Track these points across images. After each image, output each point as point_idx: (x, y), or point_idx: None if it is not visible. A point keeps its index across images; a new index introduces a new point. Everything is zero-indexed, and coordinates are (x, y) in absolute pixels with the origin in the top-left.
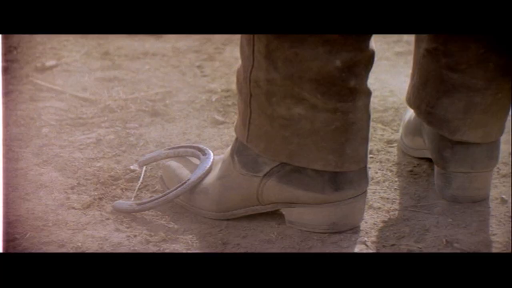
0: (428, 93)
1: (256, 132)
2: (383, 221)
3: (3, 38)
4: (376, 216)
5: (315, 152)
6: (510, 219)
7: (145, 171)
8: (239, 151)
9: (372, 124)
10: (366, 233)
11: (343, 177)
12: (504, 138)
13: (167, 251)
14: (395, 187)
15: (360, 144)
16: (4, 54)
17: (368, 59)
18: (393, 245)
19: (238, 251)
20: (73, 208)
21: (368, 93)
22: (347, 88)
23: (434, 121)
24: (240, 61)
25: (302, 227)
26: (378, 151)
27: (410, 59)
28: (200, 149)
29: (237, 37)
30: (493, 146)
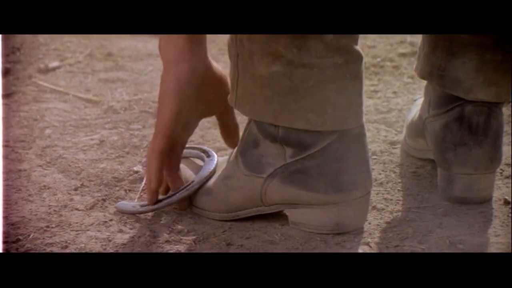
0: (438, 57)
1: (243, 94)
2: (387, 222)
3: (5, 39)
4: (380, 217)
5: (296, 110)
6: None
7: None
8: (243, 152)
9: (375, 125)
10: (370, 234)
11: (347, 178)
12: (506, 139)
13: (170, 252)
14: (399, 188)
15: (343, 104)
16: (7, 55)
17: None
18: (396, 246)
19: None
20: (77, 209)
21: (352, 53)
22: (323, 43)
23: (447, 84)
24: None
25: (306, 228)
26: (381, 152)
27: (414, 60)
28: (204, 151)
29: None
30: (495, 148)
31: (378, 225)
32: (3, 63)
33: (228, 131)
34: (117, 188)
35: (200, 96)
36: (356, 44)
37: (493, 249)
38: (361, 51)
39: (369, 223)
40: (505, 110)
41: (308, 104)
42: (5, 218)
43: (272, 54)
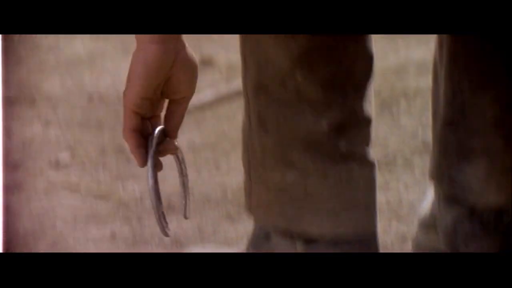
0: (448, 163)
1: (257, 201)
2: None
3: (14, 133)
4: None
5: (310, 216)
6: None
7: None
8: (254, 245)
9: (386, 218)
10: None
11: None
12: None
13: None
14: None
15: (358, 210)
16: (17, 149)
17: (362, 123)
18: None
19: None
20: None
21: (365, 161)
22: (338, 152)
23: (456, 189)
24: None
25: None
26: (392, 245)
27: (425, 155)
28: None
29: None
30: (507, 242)
31: None
32: (12, 156)
33: (172, 118)
34: None
35: (168, 77)
36: (370, 151)
37: None
38: (374, 159)
39: None
40: None
41: (322, 211)
42: None
43: (286, 163)
